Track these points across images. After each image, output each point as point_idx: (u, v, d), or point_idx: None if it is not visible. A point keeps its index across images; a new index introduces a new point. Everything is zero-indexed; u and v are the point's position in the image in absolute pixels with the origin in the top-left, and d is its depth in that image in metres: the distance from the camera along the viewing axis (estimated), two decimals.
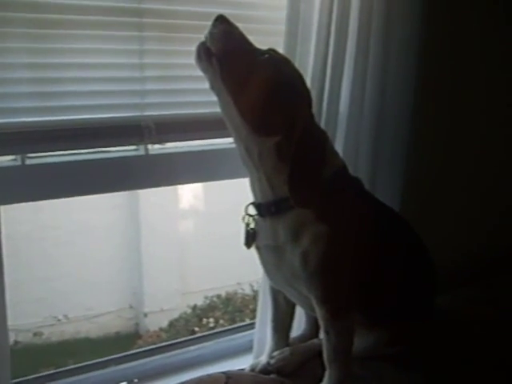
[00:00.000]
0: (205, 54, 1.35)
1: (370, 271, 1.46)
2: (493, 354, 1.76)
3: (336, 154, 1.51)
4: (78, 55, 1.54)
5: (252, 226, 1.48)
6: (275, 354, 1.64)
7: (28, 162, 1.57)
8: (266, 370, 1.62)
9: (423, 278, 1.63)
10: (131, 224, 4.47)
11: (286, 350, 1.64)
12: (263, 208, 1.44)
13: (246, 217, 1.49)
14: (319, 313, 1.45)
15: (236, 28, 1.37)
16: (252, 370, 1.64)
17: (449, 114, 2.18)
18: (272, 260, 1.48)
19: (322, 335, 1.48)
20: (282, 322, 1.66)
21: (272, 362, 1.61)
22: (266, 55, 1.37)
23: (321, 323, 1.46)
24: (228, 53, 1.34)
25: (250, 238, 1.49)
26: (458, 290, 2.10)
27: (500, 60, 2.29)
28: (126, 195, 4.37)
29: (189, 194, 4.54)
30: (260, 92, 1.33)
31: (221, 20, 1.34)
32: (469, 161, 2.30)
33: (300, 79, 1.43)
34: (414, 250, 1.62)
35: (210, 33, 1.34)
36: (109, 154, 1.71)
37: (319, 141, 1.40)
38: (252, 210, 1.48)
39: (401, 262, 1.54)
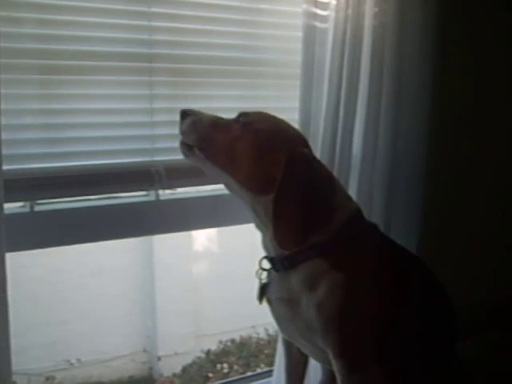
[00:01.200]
0: (186, 150, 1.41)
1: (388, 321, 1.40)
2: None
3: (349, 197, 1.48)
4: (88, 101, 1.54)
5: (264, 280, 1.45)
6: None
7: (37, 208, 1.55)
8: None
9: (444, 327, 1.56)
10: (145, 266, 4.44)
11: None
12: (277, 262, 1.40)
13: (259, 271, 1.45)
14: (335, 367, 1.39)
15: (199, 113, 1.42)
16: None
17: (465, 154, 2.14)
18: (285, 313, 1.43)
19: None
20: (296, 372, 1.61)
21: None
22: (239, 122, 1.39)
23: (337, 377, 1.40)
24: (204, 138, 1.38)
25: (262, 292, 1.46)
26: (481, 336, 2.03)
27: None
28: (140, 238, 4.35)
29: (203, 235, 4.53)
30: (247, 157, 1.34)
31: (183, 115, 1.41)
32: (486, 201, 2.25)
33: (279, 126, 1.41)
34: (435, 297, 1.55)
35: (181, 131, 1.41)
36: (119, 200, 1.69)
37: (312, 179, 1.34)
38: (265, 264, 1.44)
39: (421, 310, 1.48)
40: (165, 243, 4.32)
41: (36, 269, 3.98)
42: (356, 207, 1.45)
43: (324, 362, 1.50)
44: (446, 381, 1.56)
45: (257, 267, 1.46)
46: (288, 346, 1.58)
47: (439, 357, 1.53)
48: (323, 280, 1.34)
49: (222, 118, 1.42)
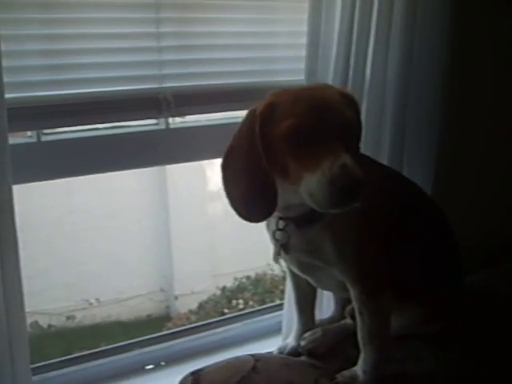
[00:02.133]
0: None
1: (398, 245, 1.40)
2: None
3: None
4: (92, 25, 1.48)
5: (282, 240, 1.38)
6: (306, 335, 1.58)
7: (44, 138, 1.53)
8: (295, 352, 1.57)
9: (449, 249, 1.56)
10: (160, 207, 4.46)
11: (318, 331, 1.58)
12: (301, 219, 1.34)
13: (276, 232, 1.38)
14: (353, 294, 1.39)
15: None
16: (280, 352, 1.59)
17: (488, 79, 2.06)
18: (304, 261, 1.41)
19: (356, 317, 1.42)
20: (306, 303, 1.60)
21: (303, 343, 1.56)
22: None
23: (354, 305, 1.40)
24: None
25: (279, 252, 1.41)
26: (495, 268, 2.01)
27: None
28: (155, 178, 4.36)
29: (217, 175, 4.52)
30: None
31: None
32: (502, 141, 2.19)
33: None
34: (438, 221, 1.55)
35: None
36: (128, 129, 1.66)
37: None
38: (281, 224, 1.38)
39: (426, 233, 1.48)
40: (179, 183, 4.32)
41: (52, 211, 4.01)
42: None
43: (340, 291, 1.49)
44: (458, 303, 1.56)
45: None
46: (296, 279, 1.57)
47: (448, 278, 1.53)
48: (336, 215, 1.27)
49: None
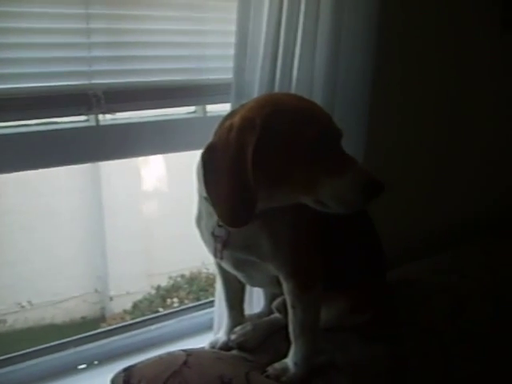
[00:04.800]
0: None
1: (329, 243, 1.45)
2: (455, 323, 1.74)
3: None
4: (22, 20, 1.46)
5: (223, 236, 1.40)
6: (236, 329, 1.61)
7: None
8: (226, 347, 1.59)
9: (370, 239, 1.62)
10: (94, 207, 4.39)
11: (248, 325, 1.62)
12: None
13: (217, 229, 1.40)
14: (286, 287, 1.42)
15: None
16: (212, 347, 1.61)
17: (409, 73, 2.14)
18: (239, 257, 1.43)
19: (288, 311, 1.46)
20: (235, 298, 1.64)
21: (233, 337, 1.59)
22: None
23: (287, 298, 1.44)
24: None
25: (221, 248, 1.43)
26: (422, 261, 2.08)
27: None
28: (88, 178, 4.29)
29: (151, 175, 4.48)
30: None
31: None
32: (430, 117, 2.27)
33: None
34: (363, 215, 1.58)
35: None
36: (58, 126, 1.64)
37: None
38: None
39: (352, 229, 1.51)
40: (113, 183, 4.27)
41: None
42: None
43: (270, 286, 1.53)
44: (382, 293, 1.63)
45: None
46: (226, 275, 1.59)
47: (370, 267, 1.60)
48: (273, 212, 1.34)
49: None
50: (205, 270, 4.26)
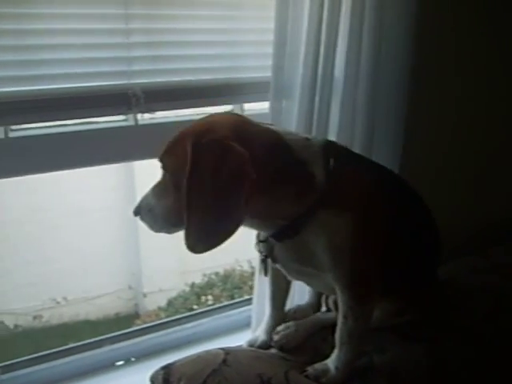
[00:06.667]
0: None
1: (389, 254, 1.41)
2: (495, 324, 1.71)
3: (309, 142, 1.37)
4: (62, 21, 1.48)
5: (265, 252, 1.41)
6: (279, 329, 1.59)
7: (11, 134, 1.51)
8: (265, 346, 1.58)
9: (429, 248, 1.58)
10: (127, 205, 4.42)
11: (291, 326, 1.59)
12: (279, 235, 1.36)
13: (259, 244, 1.42)
14: (341, 298, 1.40)
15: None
16: (250, 345, 1.60)
17: (448, 74, 2.11)
18: (294, 268, 1.43)
19: (338, 317, 1.43)
20: (280, 298, 1.62)
21: (276, 338, 1.57)
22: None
23: (341, 308, 1.41)
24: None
25: (265, 264, 1.46)
26: (461, 260, 2.06)
27: None
28: (122, 175, 4.33)
29: None
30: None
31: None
32: (469, 122, 2.23)
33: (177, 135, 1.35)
34: (420, 218, 1.55)
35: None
36: (97, 125, 1.66)
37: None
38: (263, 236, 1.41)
39: (413, 236, 1.48)
40: (147, 180, 4.30)
41: (16, 209, 3.95)
42: (322, 145, 1.37)
43: (328, 291, 1.54)
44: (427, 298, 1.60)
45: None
46: (275, 275, 1.57)
47: (423, 276, 1.57)
48: (331, 223, 1.31)
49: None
50: (238, 268, 4.27)
